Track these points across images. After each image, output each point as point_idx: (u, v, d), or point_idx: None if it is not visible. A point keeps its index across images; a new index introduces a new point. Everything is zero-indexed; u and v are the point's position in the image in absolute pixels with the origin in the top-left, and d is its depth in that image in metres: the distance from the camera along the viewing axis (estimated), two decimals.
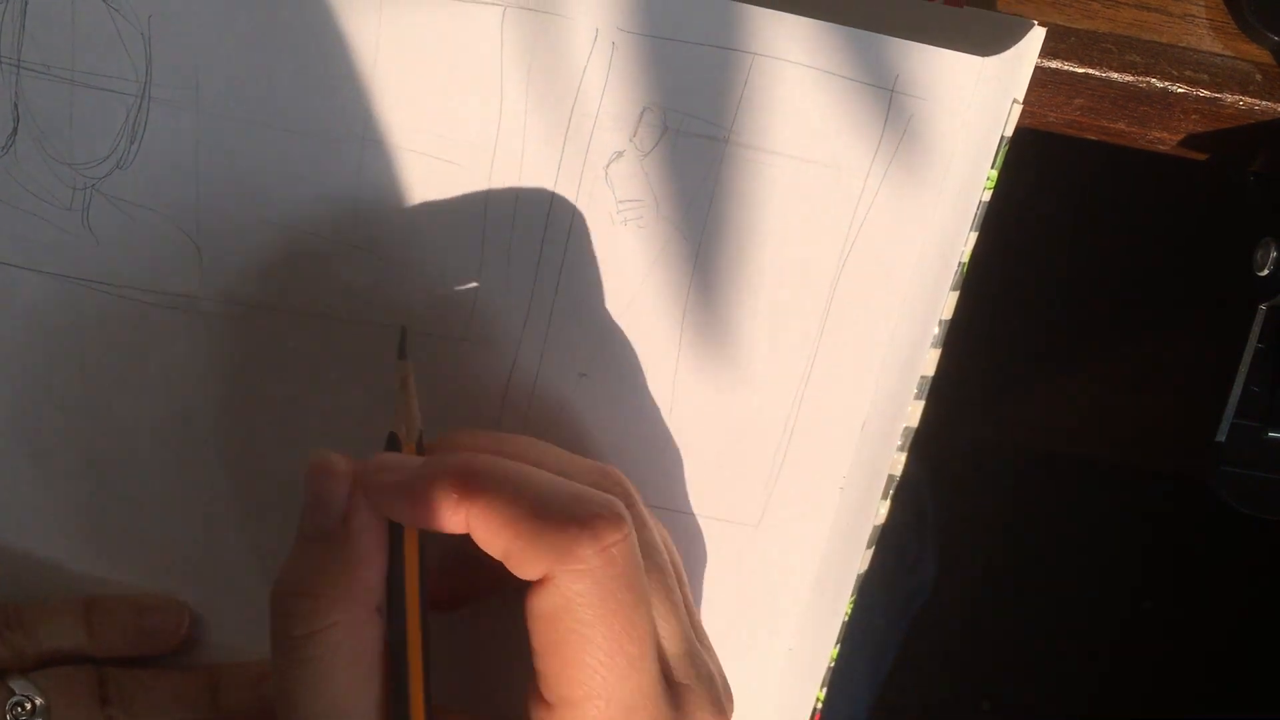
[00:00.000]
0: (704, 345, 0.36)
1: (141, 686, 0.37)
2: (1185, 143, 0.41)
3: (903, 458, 0.38)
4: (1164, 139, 0.38)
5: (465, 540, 0.32)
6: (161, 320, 0.36)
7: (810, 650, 0.39)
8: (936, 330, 0.36)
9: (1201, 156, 0.41)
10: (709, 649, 0.35)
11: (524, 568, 0.31)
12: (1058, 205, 0.73)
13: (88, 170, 0.34)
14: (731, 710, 0.34)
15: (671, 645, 0.33)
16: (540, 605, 0.31)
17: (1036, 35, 0.34)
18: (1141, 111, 0.39)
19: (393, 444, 0.33)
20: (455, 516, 0.31)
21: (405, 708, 0.31)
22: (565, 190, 0.34)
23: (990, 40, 0.33)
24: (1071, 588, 0.88)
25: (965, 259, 0.36)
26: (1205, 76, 0.38)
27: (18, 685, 0.36)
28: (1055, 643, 0.88)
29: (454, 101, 0.34)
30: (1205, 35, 0.39)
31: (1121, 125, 0.40)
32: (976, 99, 0.33)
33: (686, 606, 0.35)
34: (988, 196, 0.35)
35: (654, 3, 0.32)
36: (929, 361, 0.37)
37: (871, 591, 0.47)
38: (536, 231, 0.35)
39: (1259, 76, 0.39)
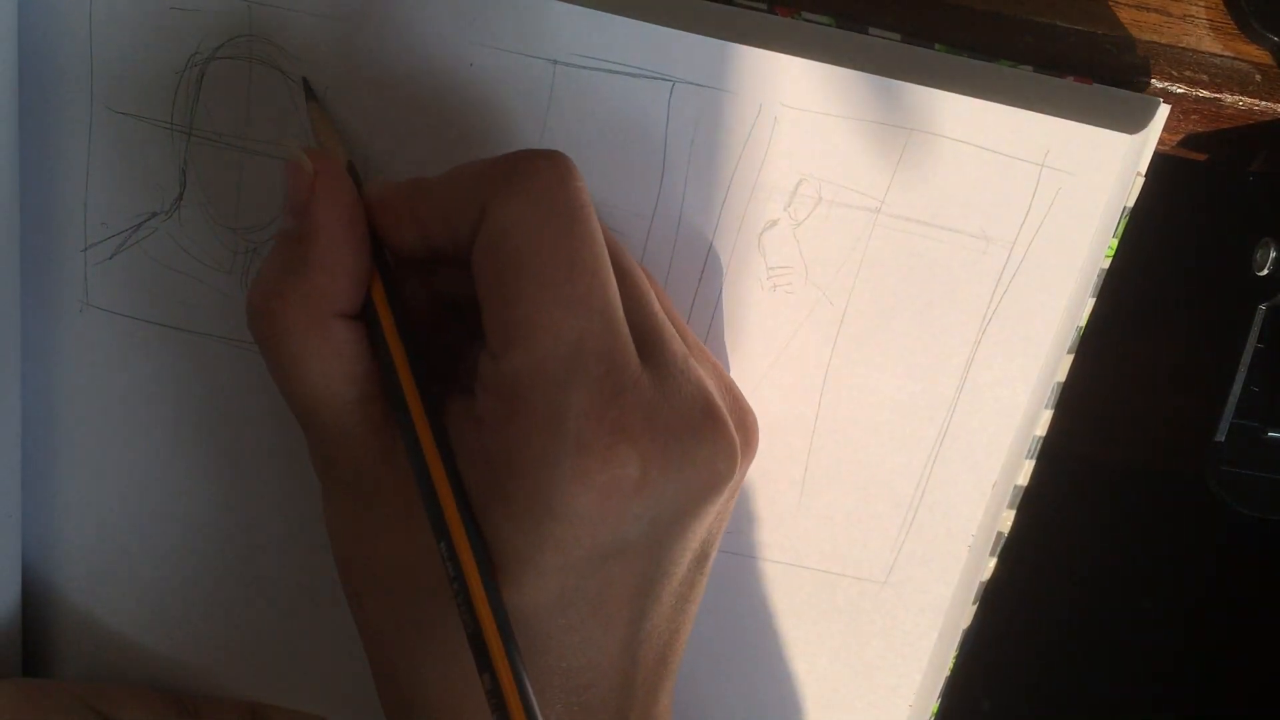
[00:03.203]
0: (842, 405, 0.39)
1: None
2: (1185, 143, 0.42)
3: (1012, 514, 0.41)
4: (1164, 139, 0.39)
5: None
6: None
7: (924, 707, 0.43)
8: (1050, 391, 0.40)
9: (1201, 157, 0.42)
10: (715, 368, 0.35)
11: (462, 211, 0.31)
12: None
13: (250, 234, 0.37)
14: (744, 433, 0.33)
15: (639, 318, 0.32)
16: (478, 243, 0.30)
17: (1163, 112, 0.37)
18: None
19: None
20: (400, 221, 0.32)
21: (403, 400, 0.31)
22: (718, 256, 0.37)
23: (1120, 116, 0.36)
24: (1071, 587, 0.92)
25: (1083, 323, 0.39)
26: (1205, 76, 0.39)
27: None
28: (1055, 642, 0.92)
29: (617, 170, 0.36)
30: (1205, 35, 0.40)
31: None
32: (1114, 172, 0.36)
33: (672, 319, 0.35)
34: (1107, 264, 0.38)
35: (818, 80, 0.35)
36: (1043, 422, 0.40)
37: None
38: (688, 294, 0.38)
39: (1259, 77, 0.40)
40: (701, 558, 0.34)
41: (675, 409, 0.31)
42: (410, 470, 0.31)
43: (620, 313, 0.31)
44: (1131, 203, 0.38)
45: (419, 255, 0.32)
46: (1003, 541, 0.41)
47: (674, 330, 0.33)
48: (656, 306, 0.33)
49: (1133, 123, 0.36)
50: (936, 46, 0.37)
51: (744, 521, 0.40)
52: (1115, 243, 0.38)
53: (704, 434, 0.31)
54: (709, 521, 0.33)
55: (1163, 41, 0.40)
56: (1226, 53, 0.40)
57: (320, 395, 0.32)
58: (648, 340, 0.32)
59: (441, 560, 0.30)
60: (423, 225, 0.32)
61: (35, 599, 0.41)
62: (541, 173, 0.30)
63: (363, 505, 0.32)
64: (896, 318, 0.38)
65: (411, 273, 0.33)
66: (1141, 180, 0.38)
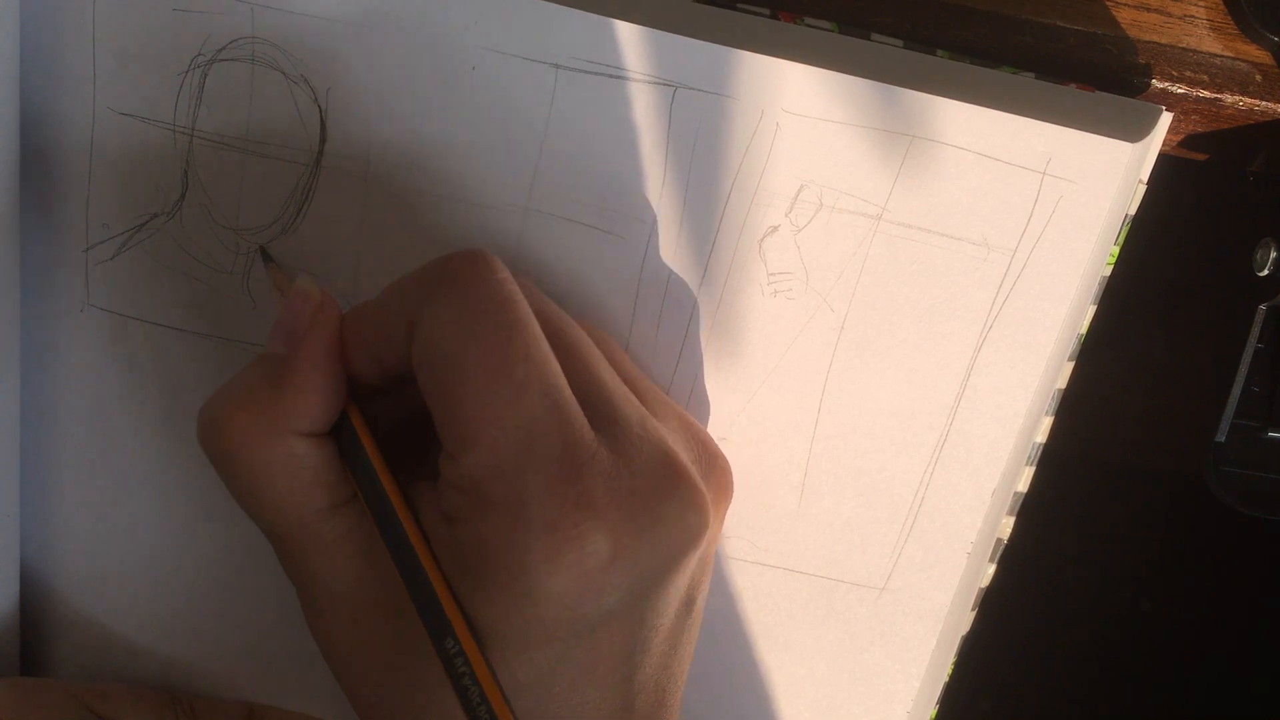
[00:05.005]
0: (842, 412, 0.39)
1: None
2: (1185, 143, 0.42)
3: (1012, 521, 0.41)
4: (1164, 139, 0.39)
5: None
6: None
7: (922, 713, 0.43)
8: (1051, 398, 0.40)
9: (1201, 157, 0.43)
10: (679, 420, 0.36)
11: (396, 329, 0.32)
12: None
13: (252, 235, 0.37)
14: (716, 487, 0.35)
15: (587, 389, 0.33)
16: (414, 355, 0.32)
17: (1165, 120, 0.37)
18: None
19: None
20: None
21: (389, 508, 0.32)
22: (719, 261, 0.38)
23: (1122, 124, 0.37)
24: (1071, 587, 0.92)
25: (1083, 331, 0.39)
26: (1205, 77, 0.40)
27: None
28: (1055, 642, 0.92)
29: (619, 175, 0.37)
30: (1205, 36, 0.41)
31: None
32: (1116, 180, 0.37)
33: (629, 378, 0.36)
34: (1109, 271, 0.39)
35: (820, 86, 0.36)
36: (1043, 429, 0.40)
37: None
38: (688, 301, 0.38)
39: (1259, 77, 0.40)
40: (688, 604, 0.35)
41: (636, 473, 0.32)
42: (389, 565, 0.32)
43: (565, 390, 0.32)
44: (1133, 210, 0.38)
45: (376, 381, 0.34)
46: (1002, 547, 0.42)
47: (626, 392, 0.34)
48: (603, 372, 0.34)
49: (1135, 130, 0.37)
50: (939, 52, 0.37)
51: (743, 527, 0.41)
52: (1117, 250, 0.39)
53: (669, 492, 0.32)
54: (689, 573, 0.34)
55: (1163, 42, 0.40)
56: (1226, 53, 0.41)
57: (285, 505, 0.33)
58: (598, 409, 0.33)
59: (439, 650, 0.31)
60: (370, 349, 0.33)
61: (33, 598, 0.42)
62: (459, 275, 0.32)
63: (342, 602, 0.33)
64: (897, 324, 0.38)
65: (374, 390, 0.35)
66: (1144, 188, 0.38)
